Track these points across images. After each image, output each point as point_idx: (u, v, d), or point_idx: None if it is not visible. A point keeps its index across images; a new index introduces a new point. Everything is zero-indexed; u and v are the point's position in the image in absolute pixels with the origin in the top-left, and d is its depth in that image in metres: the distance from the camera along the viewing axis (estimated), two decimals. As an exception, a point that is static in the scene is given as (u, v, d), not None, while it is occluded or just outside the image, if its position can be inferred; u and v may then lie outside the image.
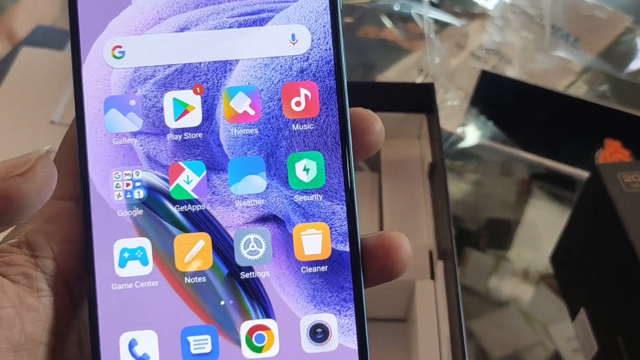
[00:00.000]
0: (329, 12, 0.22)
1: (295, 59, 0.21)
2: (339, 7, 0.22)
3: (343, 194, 0.21)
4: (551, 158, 0.54)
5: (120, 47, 0.21)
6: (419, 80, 0.60)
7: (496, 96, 0.57)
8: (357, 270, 0.21)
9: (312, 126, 0.21)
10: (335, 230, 0.21)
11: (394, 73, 0.62)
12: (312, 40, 0.22)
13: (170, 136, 0.21)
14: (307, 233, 0.21)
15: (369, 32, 0.66)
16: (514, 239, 0.54)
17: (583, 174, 0.51)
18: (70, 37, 0.21)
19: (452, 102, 0.55)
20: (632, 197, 0.38)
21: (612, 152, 0.52)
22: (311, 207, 0.21)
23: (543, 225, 0.53)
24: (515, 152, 0.54)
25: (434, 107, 0.48)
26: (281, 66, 0.21)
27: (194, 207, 0.21)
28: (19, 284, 0.19)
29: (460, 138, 0.56)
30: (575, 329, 0.44)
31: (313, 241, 0.21)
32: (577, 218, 0.44)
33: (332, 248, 0.21)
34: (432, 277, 0.41)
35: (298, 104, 0.21)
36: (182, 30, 0.21)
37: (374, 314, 0.43)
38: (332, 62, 0.21)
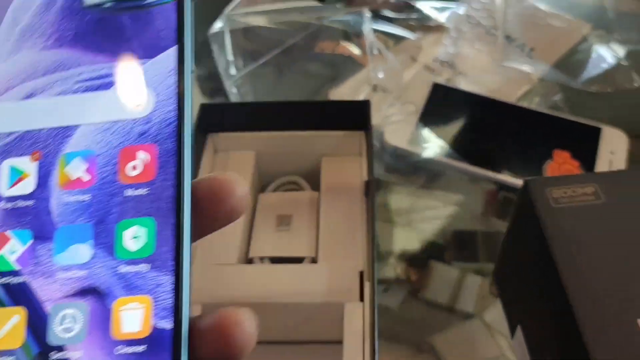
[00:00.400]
0: (175, 73, 0.21)
1: (137, 122, 0.21)
2: (190, 68, 0.21)
3: (172, 263, 0.19)
4: (502, 171, 0.52)
5: None
6: (371, 97, 0.59)
7: (447, 108, 0.56)
8: (178, 352, 0.18)
9: (146, 191, 0.20)
10: (159, 305, 0.19)
11: (347, 88, 0.61)
12: (156, 102, 0.21)
13: (1, 204, 0.21)
14: (126, 307, 0.19)
15: (325, 47, 0.65)
16: (480, 251, 0.53)
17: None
18: None
19: (397, 117, 0.54)
20: (559, 213, 0.37)
21: (560, 163, 0.50)
22: (136, 279, 0.19)
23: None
24: (465, 166, 0.53)
25: (369, 124, 0.47)
26: (122, 129, 0.21)
27: (14, 279, 0.20)
28: None
29: (410, 153, 0.55)
30: (514, 347, 0.43)
31: (132, 317, 0.19)
32: (511, 234, 0.42)
33: (154, 325, 0.19)
34: (361, 298, 0.40)
35: (134, 167, 0.20)
36: (28, 97, 0.21)
37: (309, 336, 0.42)
38: (175, 123, 0.20)
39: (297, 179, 0.51)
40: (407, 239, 0.54)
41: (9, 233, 0.20)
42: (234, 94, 0.59)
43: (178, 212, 0.20)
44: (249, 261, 0.44)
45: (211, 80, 0.64)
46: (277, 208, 0.48)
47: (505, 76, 0.59)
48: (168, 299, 0.19)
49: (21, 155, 0.21)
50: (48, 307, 0.19)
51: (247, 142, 0.49)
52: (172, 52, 0.21)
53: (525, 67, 0.59)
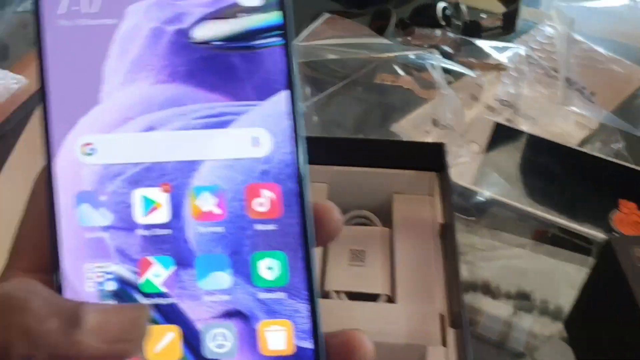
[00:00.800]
0: (290, 117, 0.22)
1: (257, 161, 0.22)
2: (301, 111, 0.22)
3: (306, 292, 0.22)
4: (564, 216, 0.53)
5: (90, 144, 0.22)
6: (432, 131, 0.60)
7: (509, 149, 0.57)
8: None
9: (275, 227, 0.22)
10: (299, 328, 0.21)
11: (409, 123, 0.61)
12: (274, 144, 0.22)
13: (139, 231, 0.22)
14: (270, 330, 0.22)
15: (386, 78, 0.66)
16: (530, 288, 0.53)
17: (597, 234, 0.50)
18: (42, 134, 0.22)
19: (464, 159, 0.55)
20: (645, 273, 0.37)
21: (627, 213, 0.51)
22: (275, 305, 0.22)
23: (561, 274, 0.52)
24: (527, 209, 0.53)
25: (445, 167, 0.47)
26: (244, 168, 0.22)
27: (163, 301, 0.22)
28: None
29: (474, 192, 0.55)
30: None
31: (277, 337, 0.22)
32: (591, 287, 0.43)
33: (296, 345, 0.21)
34: (444, 343, 0.40)
35: (261, 204, 0.22)
36: (149, 130, 0.22)
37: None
38: (294, 165, 0.22)
39: (367, 214, 0.51)
40: (464, 274, 0.55)
41: (150, 258, 0.22)
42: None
43: (305, 246, 0.22)
44: (325, 293, 0.44)
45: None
46: (349, 241, 0.48)
47: (565, 119, 0.59)
48: (306, 323, 0.21)
49: (151, 185, 0.22)
50: (199, 326, 0.21)
51: (321, 175, 0.49)
52: (284, 94, 0.22)
53: (586, 111, 0.60)
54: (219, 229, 0.22)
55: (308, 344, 0.21)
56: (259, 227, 0.22)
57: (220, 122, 0.22)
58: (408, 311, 0.42)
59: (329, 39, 0.63)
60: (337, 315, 0.41)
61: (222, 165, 0.22)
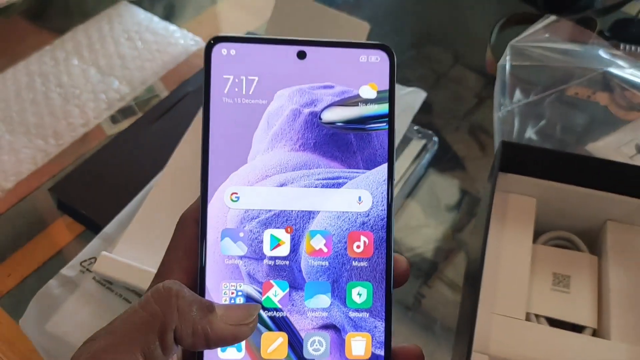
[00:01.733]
0: (386, 182, 0.29)
1: (360, 214, 0.29)
2: (394, 180, 0.29)
3: (384, 314, 0.28)
4: None
5: (236, 193, 0.29)
6: (636, 158, 0.52)
7: None
8: None
9: (366, 264, 0.29)
10: (375, 339, 0.28)
11: (608, 144, 0.54)
12: (373, 202, 0.29)
13: (266, 261, 0.29)
14: (355, 339, 0.28)
15: (580, 92, 0.59)
16: None
17: None
18: (200, 182, 0.28)
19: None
20: None
21: None
22: (360, 321, 0.28)
23: None
24: None
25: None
26: (349, 219, 0.29)
27: (278, 314, 0.28)
28: None
29: None
30: None
31: (359, 346, 0.28)
32: None
33: (372, 352, 0.28)
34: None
35: (358, 247, 0.29)
36: (281, 185, 0.29)
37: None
38: (385, 219, 0.29)
39: (572, 237, 0.46)
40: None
41: (272, 282, 0.29)
42: (497, 125, 0.56)
43: (387, 280, 0.29)
44: (525, 315, 0.41)
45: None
46: (552, 264, 0.44)
47: None
48: (381, 336, 0.28)
49: (278, 227, 0.29)
50: (302, 334, 0.28)
51: (530, 187, 0.45)
52: (384, 167, 0.29)
53: None
54: (325, 263, 0.29)
55: (380, 352, 0.28)
56: (355, 263, 0.29)
57: (335, 184, 0.29)
58: (623, 350, 0.36)
59: (548, 42, 0.58)
60: (536, 341, 0.38)
61: (333, 216, 0.29)
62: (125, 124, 0.63)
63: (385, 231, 0.29)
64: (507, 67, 0.58)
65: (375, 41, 0.29)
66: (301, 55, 0.29)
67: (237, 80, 0.28)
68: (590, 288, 0.42)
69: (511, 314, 0.39)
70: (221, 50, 0.28)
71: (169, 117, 0.61)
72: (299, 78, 0.29)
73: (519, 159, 0.44)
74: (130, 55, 0.69)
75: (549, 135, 0.57)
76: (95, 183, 0.56)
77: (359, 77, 0.29)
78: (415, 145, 0.59)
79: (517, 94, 0.59)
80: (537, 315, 0.41)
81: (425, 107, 0.63)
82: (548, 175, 0.45)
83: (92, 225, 0.53)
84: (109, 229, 0.50)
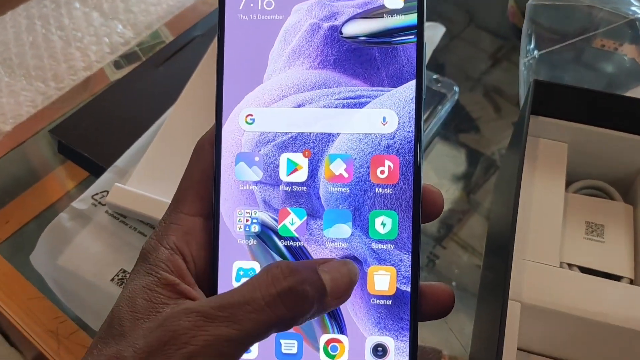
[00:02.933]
0: (414, 101, 0.26)
1: (384, 136, 0.26)
2: (423, 98, 0.26)
3: (410, 246, 0.26)
4: None
5: (251, 115, 0.27)
6: None
7: None
8: (415, 308, 0.26)
9: (391, 191, 0.26)
10: (401, 274, 0.26)
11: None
12: (399, 123, 0.26)
13: (282, 187, 0.26)
14: (378, 274, 0.26)
15: (607, 44, 0.55)
16: None
17: None
18: (215, 104, 0.26)
19: None
20: None
21: None
22: (384, 254, 0.26)
23: None
24: None
25: None
26: (372, 141, 0.26)
27: (294, 243, 0.26)
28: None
29: None
30: None
31: (383, 280, 0.26)
32: None
33: (397, 287, 0.26)
34: None
35: (382, 172, 0.26)
36: (299, 106, 0.26)
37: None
38: (413, 142, 0.26)
39: (606, 187, 0.43)
40: None
41: (288, 209, 0.26)
42: (521, 71, 0.52)
43: (415, 209, 0.26)
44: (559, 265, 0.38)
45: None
46: (585, 214, 0.40)
47: None
48: (407, 271, 0.26)
49: (295, 151, 0.26)
50: None
51: (561, 132, 0.42)
52: (412, 83, 0.26)
53: None
54: (346, 190, 0.26)
55: (406, 288, 0.26)
56: (379, 190, 0.26)
57: (357, 103, 0.26)
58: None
59: None
60: (571, 289, 0.34)
61: (354, 138, 0.26)
62: (129, 70, 0.60)
63: (413, 155, 0.26)
64: (537, 12, 0.54)
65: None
66: None
67: None
68: (626, 238, 0.39)
69: (544, 261, 0.36)
70: None
71: (175, 61, 0.57)
72: None
73: (551, 100, 0.41)
74: (135, -1, 0.65)
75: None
76: (98, 125, 0.52)
77: None
78: (434, 95, 0.55)
79: (543, 42, 0.55)
80: (570, 265, 0.37)
81: (439, 69, 0.60)
82: (581, 118, 0.42)
83: (94, 169, 0.50)
84: (120, 162, 0.47)
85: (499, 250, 0.37)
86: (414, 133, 0.26)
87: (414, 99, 0.26)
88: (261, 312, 0.21)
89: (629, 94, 0.53)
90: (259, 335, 0.21)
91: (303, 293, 0.22)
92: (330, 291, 0.22)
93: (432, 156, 0.56)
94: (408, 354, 0.25)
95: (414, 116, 0.26)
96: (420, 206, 0.26)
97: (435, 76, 0.56)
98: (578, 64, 0.56)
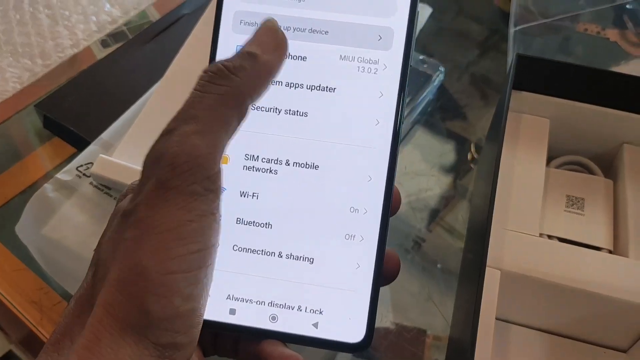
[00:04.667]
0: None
1: None
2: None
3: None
4: None
5: None
6: None
7: None
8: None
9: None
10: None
11: (630, 67, 0.51)
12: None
13: None
14: None
15: (590, 28, 0.55)
16: None
17: None
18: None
19: None
20: None
21: None
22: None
23: None
24: None
25: None
26: None
27: None
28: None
29: None
30: None
31: None
32: None
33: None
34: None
35: None
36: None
37: (594, 336, 0.35)
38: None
39: (587, 162, 0.42)
40: None
41: None
42: (510, 41, 0.52)
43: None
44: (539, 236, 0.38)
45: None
46: (566, 188, 0.40)
47: None
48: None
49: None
50: None
51: (543, 107, 0.42)
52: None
53: None
54: None
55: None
56: None
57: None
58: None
59: None
60: (551, 257, 0.34)
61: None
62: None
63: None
64: None
65: None
66: None
67: None
68: (605, 211, 0.39)
69: (524, 232, 0.36)
70: None
71: (163, 38, 0.56)
72: None
73: (533, 75, 0.41)
74: (123, -22, 0.64)
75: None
76: (85, 100, 0.51)
77: None
78: (419, 75, 0.55)
79: (530, 15, 0.55)
80: (550, 236, 0.37)
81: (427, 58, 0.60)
82: (564, 93, 0.41)
83: (81, 144, 0.49)
84: (106, 135, 0.46)
85: (480, 230, 0.37)
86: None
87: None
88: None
89: (625, 66, 0.53)
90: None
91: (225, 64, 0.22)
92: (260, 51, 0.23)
93: (419, 141, 0.55)
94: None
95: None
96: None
97: (421, 57, 0.56)
98: (563, 51, 0.56)
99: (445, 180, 0.53)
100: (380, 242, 0.25)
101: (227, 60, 0.22)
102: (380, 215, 0.25)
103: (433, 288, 0.47)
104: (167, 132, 0.21)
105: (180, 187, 0.20)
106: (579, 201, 0.40)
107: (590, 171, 0.42)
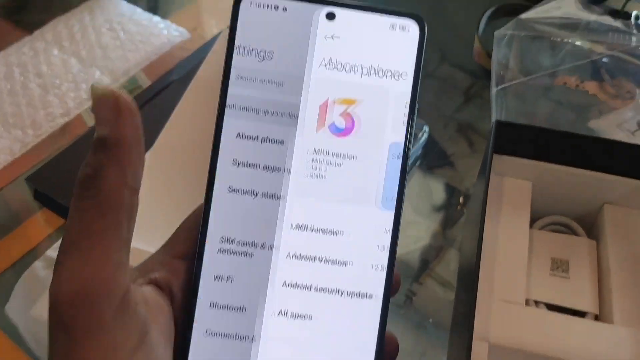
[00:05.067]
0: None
1: None
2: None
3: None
4: None
5: None
6: (638, 134, 0.50)
7: None
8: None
9: None
10: None
11: (610, 121, 0.52)
12: None
13: None
14: None
15: (569, 81, 0.57)
16: None
17: None
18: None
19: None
20: None
21: None
22: None
23: None
24: None
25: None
26: None
27: None
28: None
29: None
30: None
31: None
32: None
33: None
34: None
35: None
36: None
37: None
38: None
39: (569, 222, 0.43)
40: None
41: None
42: (493, 101, 0.54)
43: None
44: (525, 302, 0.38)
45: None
46: (550, 250, 0.41)
47: None
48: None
49: None
50: None
51: (525, 170, 0.43)
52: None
53: None
54: None
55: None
56: None
57: None
58: (627, 334, 0.34)
59: (560, 11, 0.55)
60: (537, 326, 0.35)
61: None
62: (106, 115, 0.60)
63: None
64: (514, 44, 0.56)
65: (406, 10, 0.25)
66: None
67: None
68: (589, 273, 0.39)
69: (510, 299, 0.36)
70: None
71: (153, 105, 0.57)
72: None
73: (514, 140, 0.42)
74: (113, 46, 0.66)
75: (542, 118, 0.55)
76: (75, 172, 0.52)
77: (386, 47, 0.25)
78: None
79: (511, 73, 0.56)
80: (536, 302, 0.38)
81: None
82: (544, 156, 0.43)
83: (71, 216, 0.49)
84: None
85: (468, 286, 0.37)
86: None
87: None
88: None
89: (591, 124, 0.54)
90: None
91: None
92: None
93: (407, 192, 0.56)
94: None
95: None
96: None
97: (405, 116, 0.57)
98: (545, 98, 0.58)
99: (436, 230, 0.53)
100: (381, 328, 0.24)
101: (85, 161, 0.20)
102: (381, 302, 0.24)
103: (426, 344, 0.47)
104: (55, 270, 0.19)
105: (91, 327, 0.18)
106: (563, 264, 0.40)
107: (573, 232, 0.43)
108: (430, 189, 0.57)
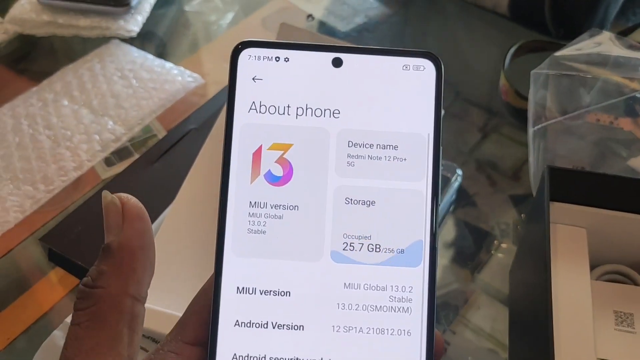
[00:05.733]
0: None
1: None
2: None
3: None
4: None
5: None
6: None
7: None
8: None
9: None
10: None
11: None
12: None
13: None
14: None
15: (602, 118, 0.55)
16: None
17: None
18: None
19: None
20: None
21: None
22: None
23: None
24: None
25: None
26: None
27: None
28: None
29: None
30: None
31: None
32: None
33: None
34: None
35: None
36: None
37: None
38: None
39: (628, 271, 0.41)
40: None
41: None
42: (530, 142, 0.52)
43: None
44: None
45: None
46: (612, 302, 0.38)
47: None
48: None
49: None
50: None
51: (579, 217, 0.40)
52: None
53: None
54: None
55: None
56: None
57: None
58: None
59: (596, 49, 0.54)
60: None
61: None
62: (120, 167, 0.57)
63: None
64: (549, 82, 0.54)
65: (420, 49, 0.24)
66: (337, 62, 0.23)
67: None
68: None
69: (581, 358, 0.33)
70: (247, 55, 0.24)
71: (170, 156, 0.55)
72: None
73: (566, 185, 0.40)
74: (125, 94, 0.64)
75: (583, 157, 0.53)
76: (90, 230, 0.49)
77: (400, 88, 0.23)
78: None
79: (549, 112, 0.55)
80: (604, 360, 0.35)
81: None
82: (597, 202, 0.40)
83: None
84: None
85: (532, 344, 0.35)
86: None
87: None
88: None
89: (631, 162, 0.52)
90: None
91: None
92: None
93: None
94: None
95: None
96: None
97: (435, 159, 0.55)
98: (579, 137, 0.56)
99: (464, 274, 0.51)
100: None
101: (88, 273, 0.20)
102: None
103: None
104: None
105: None
106: (628, 317, 0.38)
107: (633, 281, 0.41)
108: (455, 231, 0.55)
